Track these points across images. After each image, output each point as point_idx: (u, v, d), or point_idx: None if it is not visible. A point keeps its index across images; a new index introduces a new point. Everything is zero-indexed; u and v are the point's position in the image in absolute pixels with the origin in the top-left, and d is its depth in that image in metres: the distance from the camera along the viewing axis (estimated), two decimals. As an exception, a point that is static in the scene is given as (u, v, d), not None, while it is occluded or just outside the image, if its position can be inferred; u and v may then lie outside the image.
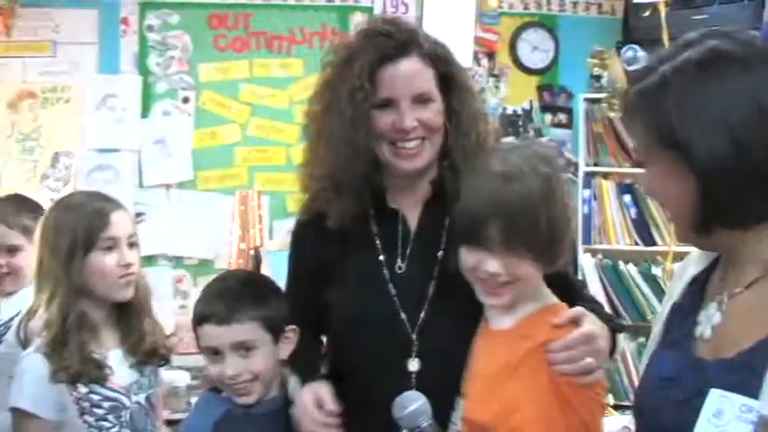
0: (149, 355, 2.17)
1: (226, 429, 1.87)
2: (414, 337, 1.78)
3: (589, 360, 1.55)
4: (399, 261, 1.84)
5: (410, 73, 1.78)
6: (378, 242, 1.85)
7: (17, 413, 2.02)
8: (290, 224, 4.09)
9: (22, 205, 2.84)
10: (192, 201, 4.22)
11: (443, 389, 1.70)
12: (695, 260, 1.47)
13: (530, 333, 1.59)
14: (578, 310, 1.63)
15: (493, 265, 1.56)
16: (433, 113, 1.80)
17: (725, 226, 1.29)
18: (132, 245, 2.14)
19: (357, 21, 4.36)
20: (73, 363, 2.00)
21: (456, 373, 1.70)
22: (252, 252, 4.02)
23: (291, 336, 1.92)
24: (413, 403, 1.53)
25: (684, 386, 1.30)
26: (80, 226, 2.06)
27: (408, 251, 1.85)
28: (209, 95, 4.26)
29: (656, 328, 1.49)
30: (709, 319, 1.34)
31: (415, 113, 1.78)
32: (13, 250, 2.72)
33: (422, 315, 1.79)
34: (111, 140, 4.19)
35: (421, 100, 1.79)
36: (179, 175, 4.23)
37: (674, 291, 1.48)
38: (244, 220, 4.06)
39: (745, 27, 3.65)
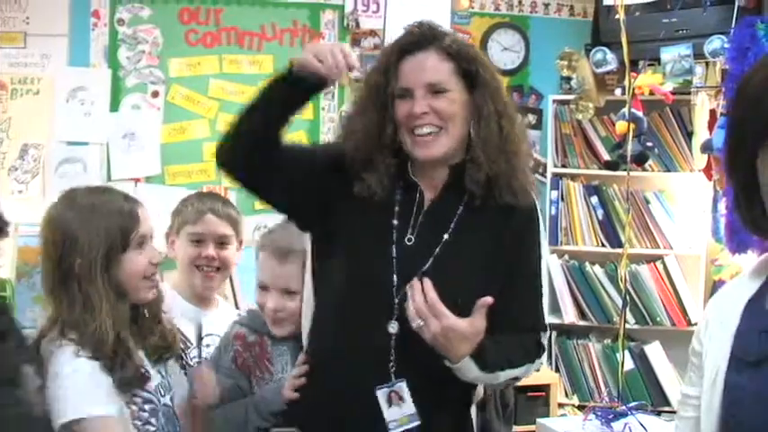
0: (165, 351, 2.09)
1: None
2: (395, 300, 1.87)
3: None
4: (410, 233, 1.95)
5: (424, 64, 1.92)
6: (396, 208, 1.97)
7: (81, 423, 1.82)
8: (257, 220, 4.23)
9: (220, 198, 2.72)
10: (160, 195, 4.20)
11: (419, 356, 1.80)
12: (746, 284, 1.38)
13: None
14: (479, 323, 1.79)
15: None
16: (447, 102, 1.92)
17: None
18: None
19: (328, 18, 4.36)
20: (132, 372, 1.91)
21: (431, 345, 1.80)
22: (218, 248, 4.02)
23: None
24: None
25: None
26: (114, 227, 1.95)
27: (418, 225, 1.95)
28: (179, 90, 4.24)
29: (703, 359, 1.39)
30: None
31: (428, 101, 1.91)
32: (223, 243, 2.54)
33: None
34: (80, 133, 4.16)
35: (434, 90, 1.91)
36: (147, 170, 4.22)
37: (722, 317, 1.38)
38: (211, 216, 4.04)
39: (713, 32, 3.69)
